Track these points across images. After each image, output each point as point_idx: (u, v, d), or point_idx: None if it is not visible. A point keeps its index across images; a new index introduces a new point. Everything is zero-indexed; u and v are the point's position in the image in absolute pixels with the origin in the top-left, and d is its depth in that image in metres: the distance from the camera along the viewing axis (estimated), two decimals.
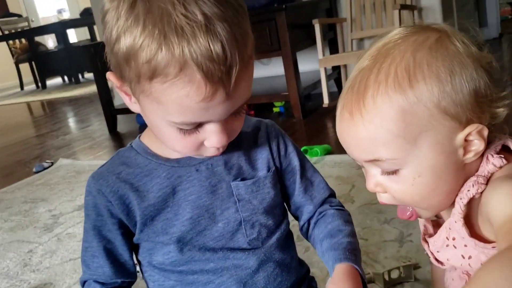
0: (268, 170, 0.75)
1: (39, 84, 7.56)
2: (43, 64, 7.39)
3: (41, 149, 3.37)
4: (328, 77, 3.01)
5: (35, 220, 1.95)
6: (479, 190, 0.56)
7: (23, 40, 7.62)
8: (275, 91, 2.97)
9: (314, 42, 2.90)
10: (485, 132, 0.56)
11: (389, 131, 0.55)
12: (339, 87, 3.33)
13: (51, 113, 5.26)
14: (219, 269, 0.72)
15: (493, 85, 0.56)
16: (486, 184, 0.56)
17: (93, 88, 5.62)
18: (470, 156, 0.57)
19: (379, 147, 0.56)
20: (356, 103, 0.57)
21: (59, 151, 3.20)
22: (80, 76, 7.43)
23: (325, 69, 2.91)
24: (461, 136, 0.55)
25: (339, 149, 2.19)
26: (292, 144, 0.79)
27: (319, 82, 3.00)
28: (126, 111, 3.40)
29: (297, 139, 2.48)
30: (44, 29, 7.49)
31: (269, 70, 3.44)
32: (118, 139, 3.41)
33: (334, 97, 3.19)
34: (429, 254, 0.67)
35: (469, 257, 0.60)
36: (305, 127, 2.72)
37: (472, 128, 0.55)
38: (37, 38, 7.74)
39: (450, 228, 0.61)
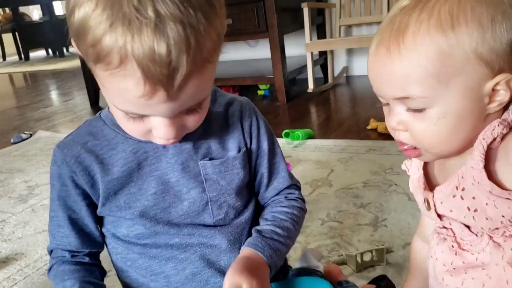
0: (239, 151, 0.74)
1: (22, 56, 7.40)
2: (27, 35, 7.22)
3: (21, 121, 3.31)
4: (315, 63, 3.00)
5: (10, 190, 1.92)
6: (504, 131, 0.57)
7: (7, 10, 7.43)
8: (261, 74, 2.96)
9: (302, 26, 2.88)
10: None
11: (425, 69, 0.56)
12: (325, 73, 3.32)
13: (33, 85, 5.17)
14: (183, 244, 0.72)
15: None
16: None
17: (77, 62, 5.53)
18: (494, 106, 0.58)
19: (412, 84, 0.57)
20: (395, 39, 0.57)
21: (38, 123, 3.14)
22: (64, 50, 7.29)
23: (312, 54, 2.90)
24: (490, 84, 0.56)
25: (321, 134, 2.20)
26: (265, 126, 0.77)
27: (305, 67, 2.98)
28: None
29: (279, 123, 2.48)
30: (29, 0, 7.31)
31: (255, 52, 3.41)
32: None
33: (319, 83, 3.20)
34: (431, 206, 0.67)
35: (475, 210, 0.61)
36: (288, 111, 2.72)
37: (502, 77, 0.56)
38: (22, 9, 7.56)
39: (462, 177, 0.61)
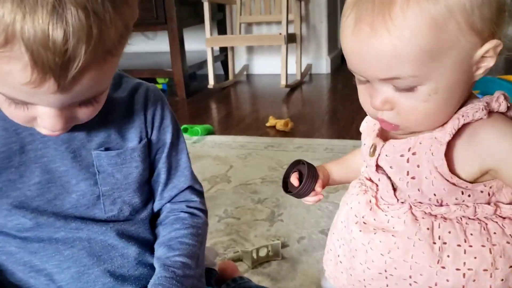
0: (139, 141, 0.68)
1: None
2: None
3: None
4: (215, 59, 2.98)
5: None
6: (485, 117, 0.56)
7: None
8: (159, 67, 2.86)
9: (202, 21, 2.84)
10: (499, 49, 0.55)
11: (418, 47, 0.52)
12: (226, 70, 3.31)
13: None
14: (70, 239, 0.65)
15: None
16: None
17: None
18: (480, 72, 0.56)
19: (403, 64, 0.53)
20: (379, 16, 0.52)
21: None
22: None
23: (212, 49, 2.87)
24: (480, 52, 0.54)
25: (221, 130, 2.18)
26: (171, 116, 0.71)
27: (205, 62, 2.95)
28: None
29: (178, 118, 2.38)
30: None
31: (154, 45, 3.29)
32: None
33: (220, 79, 3.18)
34: (375, 154, 0.64)
35: (413, 177, 0.60)
36: (188, 106, 2.66)
37: (491, 44, 0.53)
38: None
39: (420, 143, 0.59)
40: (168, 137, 0.70)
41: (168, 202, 0.72)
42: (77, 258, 0.65)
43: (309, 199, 0.76)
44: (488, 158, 0.57)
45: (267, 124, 2.16)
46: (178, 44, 2.66)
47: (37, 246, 0.64)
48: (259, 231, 1.23)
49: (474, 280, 0.58)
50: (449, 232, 0.59)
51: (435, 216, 0.60)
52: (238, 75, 3.28)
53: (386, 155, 0.62)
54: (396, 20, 0.51)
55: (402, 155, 0.60)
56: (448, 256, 0.59)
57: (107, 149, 0.65)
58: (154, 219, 0.73)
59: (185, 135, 2.03)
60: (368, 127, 0.68)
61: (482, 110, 0.55)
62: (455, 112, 0.57)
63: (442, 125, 0.58)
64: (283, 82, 2.82)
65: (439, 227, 0.60)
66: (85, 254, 0.65)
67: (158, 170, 0.71)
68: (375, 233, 0.64)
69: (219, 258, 1.09)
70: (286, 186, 0.77)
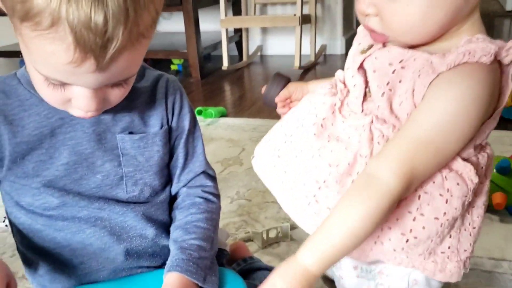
0: (161, 127, 0.72)
1: None
2: None
3: None
4: (230, 40, 2.99)
5: None
6: (488, 63, 0.52)
7: None
8: (174, 48, 2.89)
9: (217, 1, 2.85)
10: None
11: None
12: (240, 51, 3.33)
13: None
14: (92, 218, 0.69)
15: None
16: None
17: None
18: None
19: None
20: None
21: None
22: None
23: (227, 31, 2.88)
24: None
25: (234, 112, 2.21)
26: (188, 105, 0.76)
27: (220, 43, 2.97)
28: (8, 54, 3.10)
29: (193, 100, 2.45)
30: None
31: (169, 25, 3.32)
32: None
33: (234, 60, 3.20)
34: (367, 52, 0.61)
35: (390, 90, 0.58)
36: (202, 87, 2.70)
37: None
38: None
39: (414, 59, 0.56)
40: (186, 124, 0.75)
41: (184, 186, 0.76)
42: (98, 236, 0.69)
43: (279, 111, 0.76)
44: (432, 93, 0.54)
45: None
46: (193, 26, 2.68)
47: (62, 224, 0.69)
48: (270, 213, 1.28)
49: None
50: None
51: None
52: (252, 56, 3.30)
53: (375, 58, 0.60)
54: None
55: (390, 64, 0.58)
56: None
57: (130, 133, 0.69)
58: (171, 202, 0.78)
59: (199, 117, 2.08)
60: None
61: (490, 56, 0.52)
62: (461, 43, 0.54)
63: (444, 54, 0.54)
64: (296, 64, 2.83)
65: None
66: (106, 233, 0.70)
67: (177, 155, 0.75)
68: (328, 141, 0.62)
69: (231, 238, 1.14)
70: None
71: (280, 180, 0.68)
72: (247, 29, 3.19)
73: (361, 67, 0.61)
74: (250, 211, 1.29)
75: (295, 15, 2.76)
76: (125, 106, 0.68)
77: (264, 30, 3.40)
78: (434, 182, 0.57)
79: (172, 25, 3.29)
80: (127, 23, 0.51)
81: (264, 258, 1.07)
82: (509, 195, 1.14)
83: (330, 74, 0.72)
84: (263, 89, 0.77)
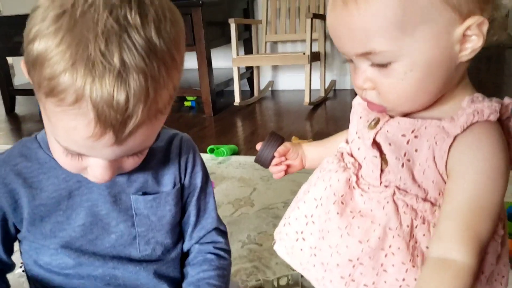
0: (173, 187, 0.74)
1: None
2: None
3: None
4: (241, 76, 3.06)
5: None
6: (492, 118, 0.54)
7: None
8: (188, 85, 2.97)
9: (229, 40, 2.93)
10: (485, 27, 0.52)
11: (386, 20, 0.51)
12: (251, 86, 3.39)
13: None
14: (106, 276, 0.72)
15: None
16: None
17: None
18: (466, 53, 0.53)
19: (373, 38, 0.52)
20: None
21: None
22: None
23: (238, 68, 2.95)
24: (460, 29, 0.52)
25: (246, 149, 2.25)
26: (201, 163, 0.78)
27: (232, 79, 3.03)
28: (26, 92, 3.20)
29: (205, 136, 2.50)
30: None
31: None
32: (16, 121, 3.20)
33: (246, 95, 3.26)
34: (377, 127, 0.61)
35: (408, 160, 0.58)
36: (214, 124, 2.75)
37: (472, 21, 0.51)
38: None
39: (426, 128, 0.57)
40: (198, 182, 0.77)
41: (197, 243, 0.78)
42: None
43: (272, 169, 0.78)
44: (459, 161, 0.55)
45: None
46: (205, 65, 2.76)
47: (78, 282, 0.71)
48: (280, 259, 1.28)
49: None
50: (423, 235, 0.59)
51: (416, 212, 0.59)
52: (263, 91, 3.36)
53: (387, 131, 0.60)
54: None
55: (403, 135, 0.58)
56: (418, 255, 0.59)
57: (144, 193, 0.72)
58: (183, 258, 0.80)
59: (211, 155, 2.12)
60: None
61: (497, 113, 0.54)
62: (463, 107, 0.56)
63: (452, 117, 0.56)
64: (306, 100, 2.88)
65: (416, 228, 0.59)
66: None
67: (189, 212, 0.78)
68: (353, 217, 0.62)
69: (242, 285, 1.16)
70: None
71: (311, 264, 0.67)
72: (258, 66, 3.26)
73: (374, 142, 0.61)
74: (261, 256, 1.31)
75: (304, 53, 2.82)
76: (140, 167, 0.70)
77: (275, 67, 3.47)
78: None
79: (186, 62, 3.37)
80: (147, 101, 0.53)
81: None
82: None
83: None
84: (258, 146, 0.79)
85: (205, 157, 2.10)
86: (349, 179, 0.63)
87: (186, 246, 0.79)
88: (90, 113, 0.52)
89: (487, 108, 0.55)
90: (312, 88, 2.89)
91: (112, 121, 0.53)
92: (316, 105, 2.97)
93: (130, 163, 0.64)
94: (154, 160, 0.74)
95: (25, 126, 3.11)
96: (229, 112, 2.96)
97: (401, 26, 0.51)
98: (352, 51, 0.56)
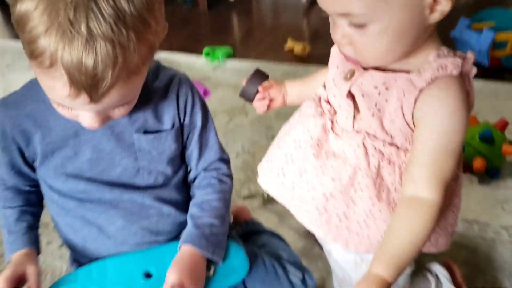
0: (172, 126, 0.80)
1: None
2: None
3: None
4: None
5: None
6: (454, 73, 0.61)
7: None
8: None
9: None
10: None
11: None
12: None
13: None
14: (115, 200, 0.81)
15: None
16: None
17: None
18: (435, 16, 0.59)
19: (353, 2, 0.57)
20: None
21: None
22: None
23: None
24: None
25: (241, 51, 2.26)
26: (200, 103, 0.82)
27: None
28: None
29: (200, 35, 2.49)
30: None
31: None
32: (7, 12, 3.11)
33: None
34: (352, 79, 0.68)
35: (379, 110, 0.65)
36: (210, 21, 2.70)
37: None
38: None
39: (395, 80, 0.63)
40: (198, 121, 0.83)
41: (202, 170, 0.87)
42: (121, 215, 0.81)
43: (256, 104, 0.86)
44: (425, 112, 0.62)
45: (286, 46, 2.22)
46: None
47: (89, 205, 0.81)
48: None
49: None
50: (389, 174, 0.68)
51: (383, 155, 0.67)
52: None
53: (361, 83, 0.66)
54: None
55: (376, 87, 0.65)
56: (383, 191, 0.68)
57: (145, 131, 0.78)
58: (184, 182, 0.88)
59: (207, 60, 2.13)
60: None
61: (459, 67, 0.61)
62: (429, 61, 0.62)
63: (419, 71, 0.62)
64: None
65: (383, 168, 0.68)
66: (128, 213, 0.82)
67: (191, 148, 0.85)
68: (327, 158, 0.71)
69: (235, 194, 1.28)
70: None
71: (290, 196, 0.77)
72: None
73: (348, 93, 0.68)
74: (254, 166, 1.40)
75: None
76: (140, 107, 0.76)
77: None
78: None
79: None
80: (115, 67, 0.58)
81: (264, 215, 1.21)
82: (489, 160, 1.26)
83: None
84: (244, 82, 0.84)
85: (201, 61, 2.13)
86: (325, 124, 0.71)
87: (192, 175, 0.88)
88: (64, 76, 0.58)
89: (451, 63, 0.61)
90: None
91: (84, 84, 0.58)
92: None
93: (118, 113, 0.69)
94: (153, 99, 0.78)
95: None
96: (224, 7, 2.88)
97: None
98: (332, 9, 0.61)
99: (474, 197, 1.25)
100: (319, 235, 0.76)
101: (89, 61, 0.56)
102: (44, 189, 0.83)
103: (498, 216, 1.19)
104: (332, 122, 0.71)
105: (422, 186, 0.63)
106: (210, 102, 1.76)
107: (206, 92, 1.84)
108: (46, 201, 0.85)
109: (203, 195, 0.85)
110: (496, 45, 1.82)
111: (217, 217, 0.82)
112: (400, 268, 0.62)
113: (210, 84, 1.93)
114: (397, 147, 0.67)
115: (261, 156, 1.46)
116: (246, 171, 1.41)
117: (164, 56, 2.12)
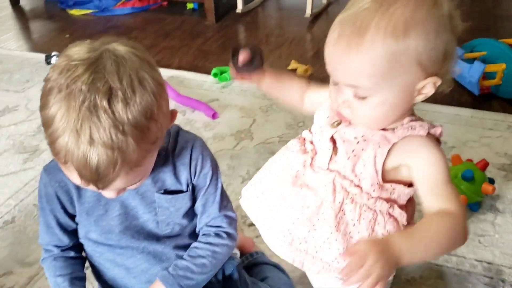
0: (187, 188, 0.91)
1: None
2: None
3: None
4: None
5: None
6: (424, 135, 0.74)
7: None
8: None
9: None
10: (438, 83, 0.72)
11: (375, 68, 0.68)
12: None
13: None
14: (140, 247, 0.95)
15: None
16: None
17: None
18: (420, 98, 0.74)
19: (362, 77, 0.69)
20: (355, 38, 0.67)
21: None
22: None
23: None
24: (421, 84, 0.71)
25: None
26: (209, 165, 0.92)
27: None
28: None
29: (209, 52, 2.59)
30: None
31: None
32: (22, 18, 3.23)
33: (248, 0, 3.24)
34: (337, 128, 0.79)
35: (355, 155, 0.77)
36: (217, 34, 2.80)
37: (432, 79, 0.71)
38: None
39: (373, 135, 0.76)
40: (207, 182, 0.94)
41: (205, 225, 0.99)
42: (145, 259, 0.96)
43: (238, 77, 0.92)
44: (412, 157, 0.75)
45: (289, 67, 2.34)
46: None
47: (119, 250, 0.95)
48: None
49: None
50: (350, 211, 0.77)
51: (348, 193, 0.77)
52: None
53: (344, 132, 0.79)
54: (365, 44, 0.67)
55: (355, 137, 0.77)
56: (342, 224, 0.77)
57: (165, 190, 0.92)
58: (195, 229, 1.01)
59: (215, 79, 2.25)
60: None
61: (426, 130, 0.75)
62: (403, 123, 0.75)
63: (393, 129, 0.75)
64: (308, 12, 2.91)
65: (346, 204, 0.78)
66: (151, 257, 0.96)
67: (198, 203, 0.97)
68: (301, 188, 0.81)
69: (242, 221, 1.39)
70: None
71: (265, 217, 0.87)
72: None
73: (331, 138, 0.80)
74: None
75: None
76: (161, 169, 0.90)
77: None
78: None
79: None
80: (115, 167, 0.70)
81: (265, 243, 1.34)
82: (469, 197, 1.40)
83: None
84: (242, 56, 0.89)
85: (210, 80, 2.25)
86: (305, 161, 0.83)
87: (197, 228, 1.00)
88: (75, 171, 0.73)
89: (419, 126, 0.75)
90: None
91: (90, 179, 0.73)
92: (317, 16, 3.00)
93: (131, 187, 0.83)
94: (173, 162, 0.91)
95: (33, 23, 3.16)
96: (232, 19, 2.98)
97: (384, 75, 0.69)
98: (343, 80, 0.73)
99: None
100: (281, 255, 0.85)
101: (92, 163, 0.70)
102: (81, 240, 0.98)
103: (474, 250, 1.33)
104: (312, 159, 0.83)
105: (450, 202, 0.72)
106: (218, 125, 1.92)
107: (214, 116, 1.97)
108: (85, 250, 0.99)
109: (195, 243, 0.96)
110: (487, 74, 1.96)
111: (197, 264, 0.92)
112: (417, 257, 0.71)
113: (218, 106, 2.05)
114: (361, 190, 0.77)
115: None
116: None
117: (175, 74, 2.27)
